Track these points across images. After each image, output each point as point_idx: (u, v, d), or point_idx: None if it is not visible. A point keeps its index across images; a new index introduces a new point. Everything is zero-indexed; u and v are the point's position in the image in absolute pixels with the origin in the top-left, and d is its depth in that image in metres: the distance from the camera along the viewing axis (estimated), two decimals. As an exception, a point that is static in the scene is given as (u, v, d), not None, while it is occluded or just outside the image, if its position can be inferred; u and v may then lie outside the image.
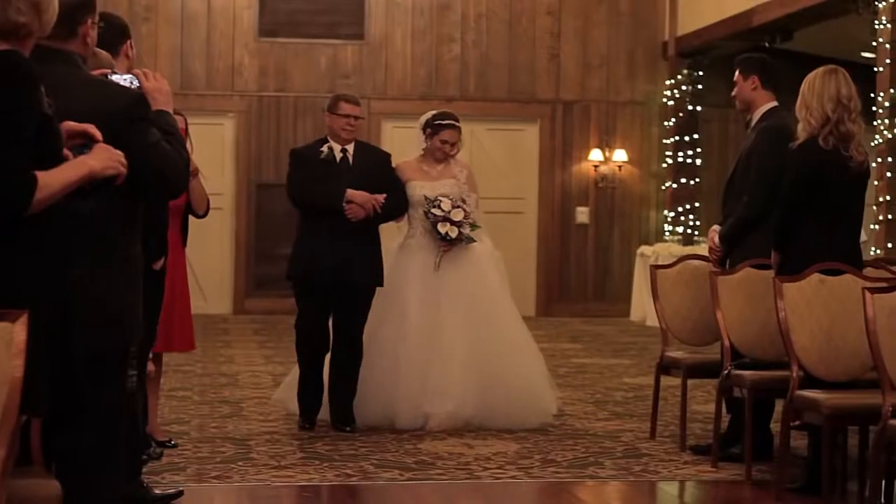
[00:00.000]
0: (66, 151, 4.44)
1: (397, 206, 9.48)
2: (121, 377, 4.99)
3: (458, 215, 9.34)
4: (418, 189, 9.52)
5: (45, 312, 4.29)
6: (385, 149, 10.52)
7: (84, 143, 4.50)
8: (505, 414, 9.37)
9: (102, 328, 4.70)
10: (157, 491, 7.17)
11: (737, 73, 8.78)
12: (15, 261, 4.27)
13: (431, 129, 9.66)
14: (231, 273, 18.71)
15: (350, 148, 9.40)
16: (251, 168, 18.56)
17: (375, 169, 9.42)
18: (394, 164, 9.68)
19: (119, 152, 4.49)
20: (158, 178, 4.87)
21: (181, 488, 7.36)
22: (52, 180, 4.27)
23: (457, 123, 9.71)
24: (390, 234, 10.06)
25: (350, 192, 9.09)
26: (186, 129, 8.75)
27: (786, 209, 7.76)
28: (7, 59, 4.25)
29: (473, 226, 9.47)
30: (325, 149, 9.33)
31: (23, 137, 4.20)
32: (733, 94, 8.86)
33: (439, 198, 9.36)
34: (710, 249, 8.73)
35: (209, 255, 17.80)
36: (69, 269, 4.50)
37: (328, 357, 9.32)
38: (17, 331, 4.08)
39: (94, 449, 4.80)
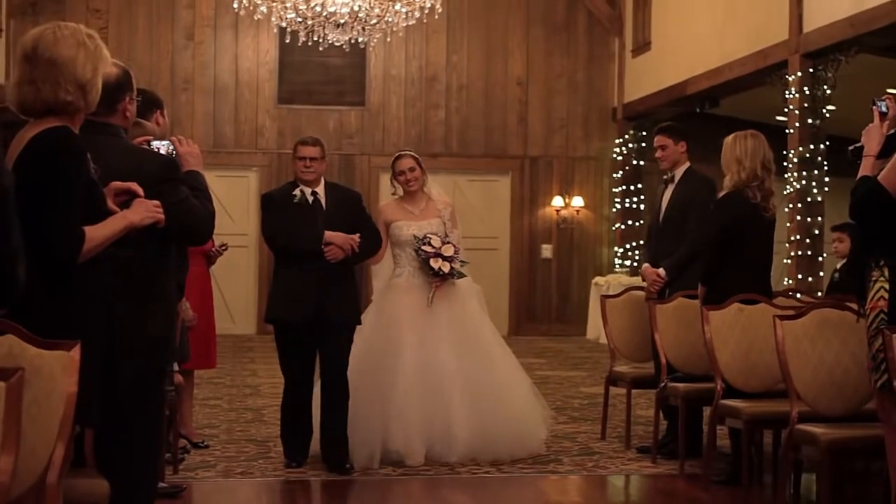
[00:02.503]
0: (113, 206, 4.46)
1: (372, 244, 8.14)
2: (159, 393, 5.00)
3: (448, 251, 8.23)
4: (405, 229, 8.36)
5: (94, 343, 4.31)
6: (384, 198, 9.33)
7: (128, 199, 4.53)
8: (498, 448, 8.17)
9: (141, 355, 4.71)
10: (162, 483, 7.15)
11: (666, 137, 8.76)
12: (67, 300, 4.29)
13: (392, 171, 8.58)
14: (255, 300, 18.65)
15: (320, 190, 8.07)
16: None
17: (348, 209, 8.10)
18: (376, 206, 8.76)
19: (155, 202, 4.51)
20: (185, 228, 4.87)
21: (184, 486, 7.35)
22: (97, 234, 4.28)
23: (409, 153, 8.64)
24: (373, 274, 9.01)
25: (328, 234, 7.82)
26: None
27: (713, 249, 7.78)
28: (61, 135, 4.26)
29: (463, 261, 8.38)
30: (297, 192, 8.01)
31: (75, 200, 4.23)
32: (660, 155, 8.77)
33: (428, 235, 8.25)
34: (654, 282, 8.64)
35: (237, 285, 17.81)
36: (112, 306, 4.49)
37: (316, 397, 8.03)
38: (72, 357, 4.10)
39: (136, 453, 4.81)
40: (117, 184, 4.56)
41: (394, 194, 8.62)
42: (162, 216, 4.52)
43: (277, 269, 8.15)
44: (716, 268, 7.73)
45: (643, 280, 8.92)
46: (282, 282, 8.03)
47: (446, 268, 8.22)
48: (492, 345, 8.54)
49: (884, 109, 5.87)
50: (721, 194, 7.75)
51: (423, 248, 8.22)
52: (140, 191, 4.52)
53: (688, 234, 8.40)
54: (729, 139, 7.79)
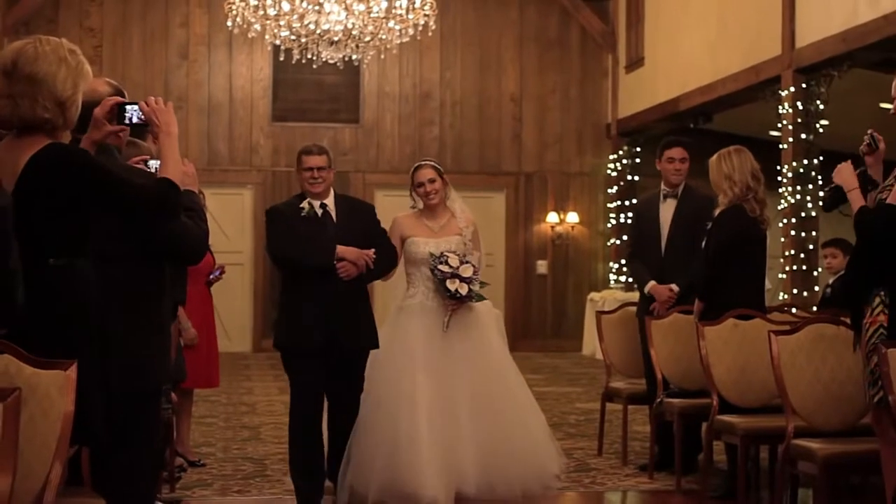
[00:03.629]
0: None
1: (387, 260, 7.44)
2: (153, 412, 5.01)
3: (467, 271, 7.44)
4: (422, 246, 7.60)
5: (91, 366, 4.31)
6: (380, 216, 7.86)
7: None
8: (511, 484, 7.45)
9: (134, 374, 4.72)
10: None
11: (686, 151, 8.69)
12: (66, 319, 4.29)
13: (411, 182, 7.79)
14: (251, 318, 18.68)
15: (329, 202, 7.35)
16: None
17: (360, 223, 7.40)
18: (391, 219, 7.74)
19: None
20: (178, 247, 4.89)
21: (181, 499, 7.37)
22: (174, 172, 4.51)
23: (430, 162, 7.87)
24: (385, 293, 8.34)
25: (340, 249, 7.09)
26: (204, 200, 8.80)
27: (712, 265, 7.79)
28: (64, 149, 4.28)
29: (482, 283, 7.65)
30: (305, 205, 7.28)
31: (128, 182, 4.39)
32: (679, 167, 8.65)
33: (445, 253, 7.46)
34: (668, 299, 8.48)
35: (233, 303, 17.78)
36: (106, 325, 4.48)
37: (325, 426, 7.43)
38: (69, 376, 4.11)
39: (130, 471, 4.81)
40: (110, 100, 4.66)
41: (413, 207, 7.86)
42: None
43: (285, 289, 7.40)
44: (714, 283, 7.75)
45: (657, 298, 8.59)
46: (290, 304, 7.28)
47: (464, 290, 7.43)
48: (510, 378, 7.81)
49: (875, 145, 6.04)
50: (719, 210, 7.76)
51: (440, 267, 7.44)
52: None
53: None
54: (714, 159, 7.82)
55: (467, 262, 7.49)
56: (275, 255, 7.40)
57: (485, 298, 7.69)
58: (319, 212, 7.30)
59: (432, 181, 7.69)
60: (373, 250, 7.21)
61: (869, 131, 6.10)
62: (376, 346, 7.34)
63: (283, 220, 7.29)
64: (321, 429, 7.32)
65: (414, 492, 7.11)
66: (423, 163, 7.85)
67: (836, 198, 6.24)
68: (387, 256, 7.43)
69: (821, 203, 6.03)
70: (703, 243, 7.96)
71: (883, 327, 5.60)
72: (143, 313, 4.78)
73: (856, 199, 5.87)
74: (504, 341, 7.96)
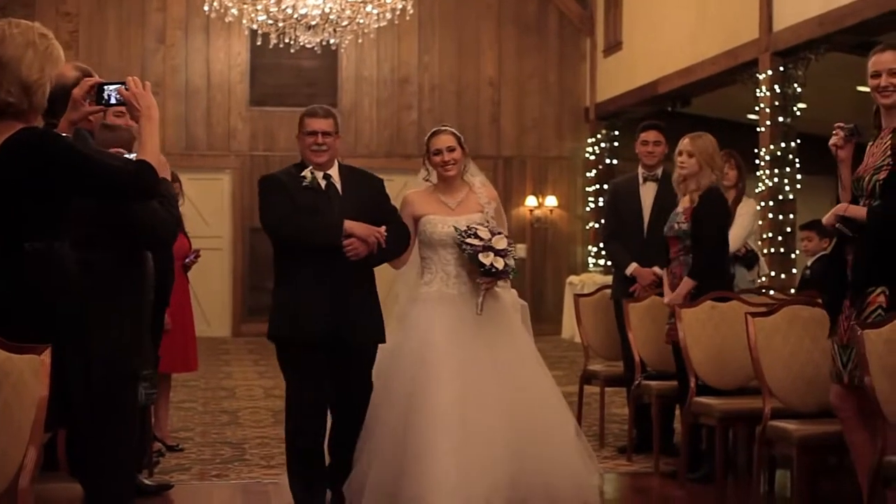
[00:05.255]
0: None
1: (400, 240, 6.46)
2: (129, 396, 5.00)
3: (500, 243, 6.36)
4: (439, 225, 6.50)
5: (71, 349, 4.30)
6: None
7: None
8: (545, 496, 6.33)
9: (111, 358, 4.71)
10: (147, 482, 7.20)
11: (661, 134, 8.68)
12: (47, 305, 4.28)
13: (426, 150, 6.70)
14: (230, 302, 18.65)
15: (334, 173, 6.35)
16: (245, 215, 18.48)
17: (369, 196, 6.42)
18: (401, 197, 6.72)
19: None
20: (149, 232, 4.90)
21: (172, 483, 7.36)
22: (152, 153, 4.48)
23: (449, 128, 6.76)
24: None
25: (349, 224, 6.10)
26: (180, 187, 8.78)
27: (717, 246, 7.77)
28: (30, 134, 4.25)
29: (516, 257, 6.52)
30: (307, 174, 6.27)
31: (104, 163, 4.36)
32: (653, 150, 8.67)
33: (472, 226, 6.40)
34: (652, 282, 8.42)
35: (212, 287, 17.74)
36: (89, 315, 4.46)
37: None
38: (43, 361, 4.09)
39: (106, 455, 4.80)
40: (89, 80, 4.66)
41: (426, 179, 6.76)
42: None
43: (281, 272, 6.35)
44: (712, 264, 7.73)
45: (640, 280, 8.55)
46: (287, 288, 6.28)
47: (500, 264, 6.34)
48: (541, 378, 6.70)
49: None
50: (701, 192, 7.68)
51: (469, 241, 6.36)
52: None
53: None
54: (705, 137, 7.79)
55: (500, 234, 6.44)
56: (273, 229, 6.32)
57: (517, 273, 6.63)
58: (323, 183, 6.32)
59: (451, 150, 6.63)
60: (384, 227, 6.26)
61: (839, 125, 6.00)
62: (383, 339, 6.41)
63: (282, 189, 6.28)
64: (322, 430, 6.37)
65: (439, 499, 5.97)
66: (442, 128, 6.79)
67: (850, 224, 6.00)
68: (399, 235, 6.47)
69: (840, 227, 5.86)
70: (692, 224, 7.81)
71: (882, 308, 5.60)
72: (117, 297, 4.77)
73: (855, 211, 5.78)
74: (531, 336, 6.91)
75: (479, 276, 6.39)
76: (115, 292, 4.76)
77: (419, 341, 6.36)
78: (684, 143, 7.74)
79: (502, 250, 6.36)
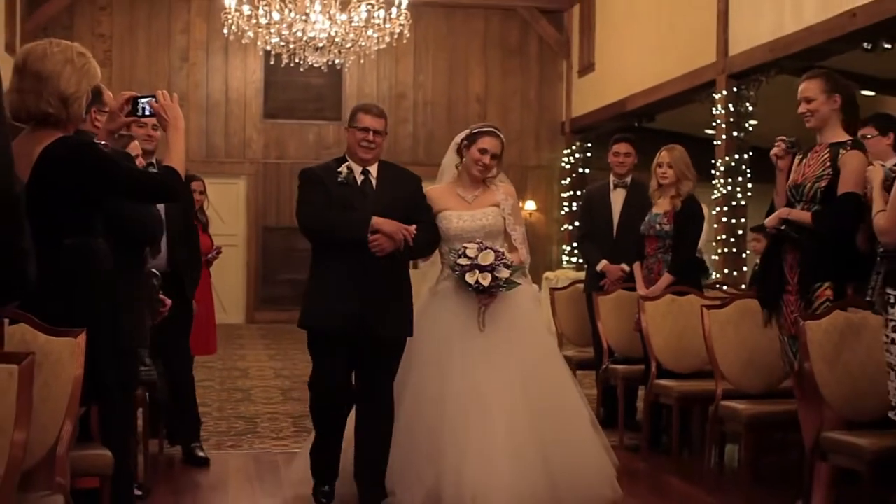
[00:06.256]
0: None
1: (429, 239, 5.94)
2: (134, 373, 5.07)
3: (487, 258, 5.78)
4: (455, 220, 6.02)
5: (105, 331, 4.34)
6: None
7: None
8: (567, 490, 5.75)
9: (131, 343, 4.78)
10: (201, 454, 7.29)
11: (632, 146, 8.63)
12: (85, 293, 4.31)
13: (468, 139, 6.08)
14: (244, 293, 18.63)
15: (373, 170, 5.84)
16: (258, 215, 18.49)
17: (404, 194, 5.87)
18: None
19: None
20: (136, 230, 5.05)
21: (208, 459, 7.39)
22: (178, 160, 4.52)
23: (501, 135, 6.11)
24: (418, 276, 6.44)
25: (376, 220, 5.62)
26: (204, 189, 8.80)
27: (694, 246, 7.83)
28: (66, 143, 4.27)
29: (515, 268, 5.87)
30: (343, 169, 5.80)
31: (130, 170, 4.48)
32: (623, 160, 8.61)
33: (464, 245, 5.83)
34: (619, 278, 8.40)
35: (228, 279, 17.71)
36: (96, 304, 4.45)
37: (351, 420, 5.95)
38: (79, 343, 4.11)
39: (126, 421, 4.87)
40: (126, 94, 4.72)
41: (457, 166, 6.17)
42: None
43: (315, 263, 5.85)
44: (689, 262, 7.83)
45: (609, 276, 8.50)
46: (318, 280, 5.79)
47: (486, 280, 5.77)
48: (557, 371, 6.11)
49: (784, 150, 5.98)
50: (684, 198, 7.74)
51: (459, 262, 5.83)
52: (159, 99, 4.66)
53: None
54: (679, 150, 7.82)
55: (487, 249, 5.82)
56: (302, 223, 5.81)
57: (517, 284, 5.92)
58: (360, 179, 5.83)
59: (495, 157, 6.08)
60: (414, 226, 5.73)
61: (781, 138, 6.04)
62: (410, 333, 5.85)
63: (318, 183, 5.80)
64: (342, 422, 5.94)
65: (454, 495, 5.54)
66: (494, 130, 6.12)
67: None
68: (428, 234, 5.92)
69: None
70: (676, 230, 7.74)
71: (829, 300, 5.63)
72: (115, 282, 4.78)
73: (799, 215, 5.81)
74: (544, 326, 6.39)
75: (476, 295, 5.85)
76: (115, 291, 4.77)
77: (439, 335, 5.89)
78: (663, 155, 7.80)
79: (489, 266, 5.78)
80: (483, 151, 6.01)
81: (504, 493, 5.54)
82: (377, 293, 5.67)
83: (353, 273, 5.64)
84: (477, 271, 5.76)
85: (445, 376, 5.77)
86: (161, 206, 5.76)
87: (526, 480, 5.61)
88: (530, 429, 5.71)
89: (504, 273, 5.80)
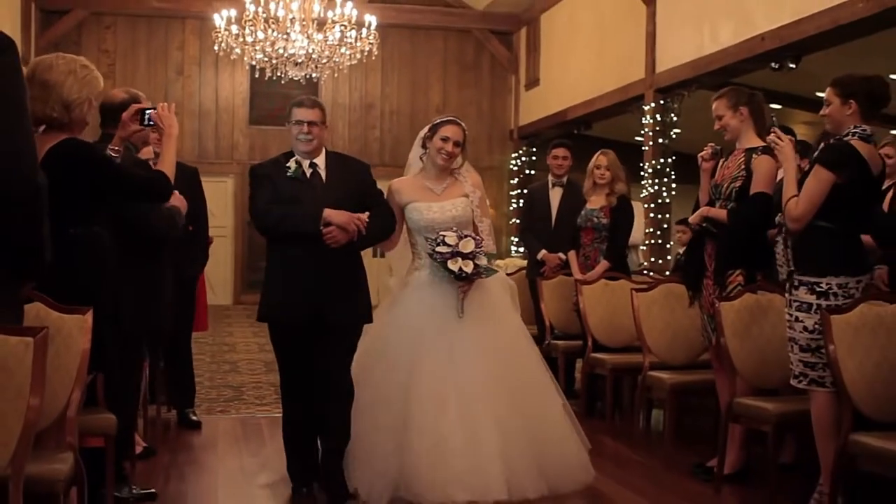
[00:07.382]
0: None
1: (384, 224, 5.34)
2: (135, 349, 5.12)
3: (468, 246, 5.30)
4: (425, 212, 5.48)
5: (107, 311, 4.32)
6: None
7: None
8: (540, 481, 5.22)
9: (130, 321, 4.76)
10: (194, 418, 7.28)
11: (569, 151, 8.72)
12: (89, 275, 4.29)
13: (431, 130, 5.60)
14: (232, 277, 18.55)
15: (320, 161, 5.24)
16: (244, 210, 18.33)
17: (354, 183, 5.24)
18: (388, 184, 5.58)
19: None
20: (139, 228, 4.98)
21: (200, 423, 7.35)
22: (168, 166, 4.54)
23: (460, 122, 5.65)
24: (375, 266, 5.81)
25: (328, 213, 5.04)
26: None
27: (627, 237, 7.94)
28: (69, 145, 4.27)
29: (489, 255, 5.48)
30: (291, 164, 5.21)
31: (122, 170, 4.45)
32: (561, 163, 8.63)
33: (441, 233, 5.33)
34: (557, 265, 8.39)
35: (218, 264, 17.55)
36: (99, 285, 4.41)
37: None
38: (86, 319, 4.09)
39: (120, 387, 4.85)
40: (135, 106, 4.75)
41: (422, 157, 5.67)
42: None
43: (269, 257, 5.27)
44: (622, 251, 7.94)
45: (548, 263, 8.50)
46: (273, 273, 5.22)
47: (469, 267, 5.28)
48: (531, 360, 5.56)
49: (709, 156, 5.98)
50: (618, 196, 7.80)
51: (438, 249, 5.32)
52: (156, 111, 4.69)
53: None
54: (612, 155, 7.86)
55: (467, 237, 5.35)
56: (255, 220, 5.24)
57: (495, 271, 5.55)
58: (308, 172, 5.23)
59: (458, 144, 5.58)
60: (366, 214, 5.16)
61: (710, 144, 6.09)
62: (369, 320, 5.24)
63: (267, 180, 5.21)
64: (311, 415, 5.27)
65: (428, 487, 5.03)
66: (454, 119, 5.63)
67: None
68: (382, 220, 5.33)
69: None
70: (612, 223, 7.80)
71: (741, 284, 5.67)
72: (131, 275, 4.77)
73: (716, 213, 5.84)
74: (518, 315, 5.74)
75: (455, 281, 5.34)
76: (126, 270, 4.75)
77: (410, 327, 5.33)
78: (600, 159, 7.87)
79: (470, 253, 5.30)
80: (445, 139, 5.51)
81: (479, 485, 5.02)
82: (331, 282, 5.08)
83: (307, 263, 5.06)
84: (459, 259, 5.28)
85: (417, 365, 5.20)
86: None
87: (496, 472, 5.07)
88: (512, 408, 5.23)
89: (483, 260, 5.36)
